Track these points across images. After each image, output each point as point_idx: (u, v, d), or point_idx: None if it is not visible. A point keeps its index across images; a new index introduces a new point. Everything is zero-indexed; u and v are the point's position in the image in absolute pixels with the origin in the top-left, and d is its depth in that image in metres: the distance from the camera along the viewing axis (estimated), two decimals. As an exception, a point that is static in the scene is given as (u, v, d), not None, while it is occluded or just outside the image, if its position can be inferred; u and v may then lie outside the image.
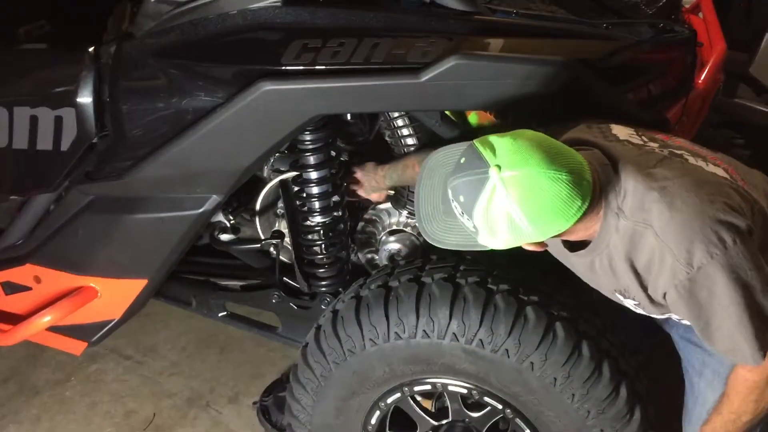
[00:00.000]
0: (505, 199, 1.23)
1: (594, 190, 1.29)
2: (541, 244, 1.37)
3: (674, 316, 1.49)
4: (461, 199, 1.29)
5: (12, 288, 2.16)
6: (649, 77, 1.68)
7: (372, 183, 2.04)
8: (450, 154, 1.43)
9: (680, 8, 2.14)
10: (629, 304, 1.48)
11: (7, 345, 2.14)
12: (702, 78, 1.86)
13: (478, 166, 1.26)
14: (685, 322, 1.51)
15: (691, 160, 1.40)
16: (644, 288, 1.38)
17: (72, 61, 1.81)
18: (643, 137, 1.46)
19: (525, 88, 1.53)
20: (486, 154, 1.25)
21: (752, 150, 3.39)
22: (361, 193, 2.08)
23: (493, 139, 1.28)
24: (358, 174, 2.05)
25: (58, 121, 1.83)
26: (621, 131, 1.47)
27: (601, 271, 1.44)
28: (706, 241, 1.26)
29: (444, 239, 1.42)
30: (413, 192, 2.00)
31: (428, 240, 1.45)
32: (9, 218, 2.11)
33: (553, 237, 1.32)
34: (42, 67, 1.93)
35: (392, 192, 2.12)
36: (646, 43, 1.66)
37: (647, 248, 1.32)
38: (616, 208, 1.33)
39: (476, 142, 1.29)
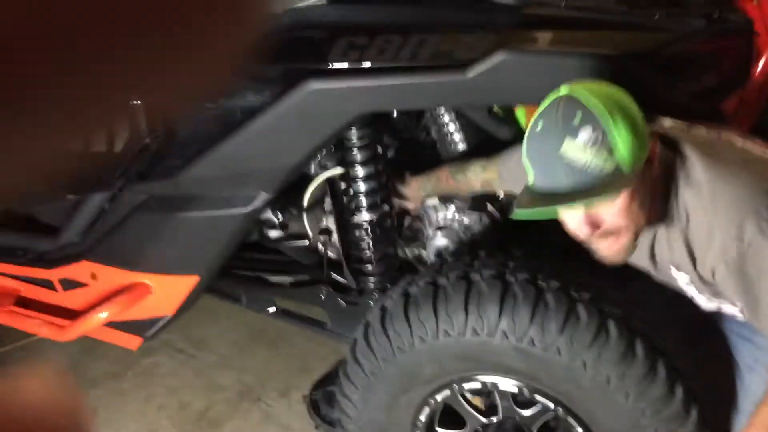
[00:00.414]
0: (593, 89, 1.27)
1: (653, 147, 1.31)
2: (648, 167, 1.31)
3: (725, 308, 1.46)
4: (576, 121, 1.25)
5: (69, 284, 2.22)
6: (703, 69, 1.64)
7: (407, 192, 2.05)
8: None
9: (735, -6, 2.07)
10: (682, 280, 1.46)
11: (65, 340, 2.21)
12: (759, 69, 1.80)
13: (554, 104, 1.29)
14: (732, 312, 1.49)
15: (739, 143, 1.41)
16: (694, 263, 1.37)
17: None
18: (689, 125, 1.46)
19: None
20: (551, 99, 1.29)
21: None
22: (397, 202, 2.08)
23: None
24: (395, 184, 2.06)
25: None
26: (665, 121, 1.47)
27: (658, 246, 1.44)
28: (757, 216, 1.25)
29: (593, 200, 1.29)
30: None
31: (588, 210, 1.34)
32: (66, 217, 2.17)
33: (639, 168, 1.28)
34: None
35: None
36: (700, 33, 1.61)
37: (697, 222, 1.33)
38: (676, 173, 1.35)
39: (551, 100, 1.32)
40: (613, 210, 1.31)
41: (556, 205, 1.30)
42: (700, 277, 1.39)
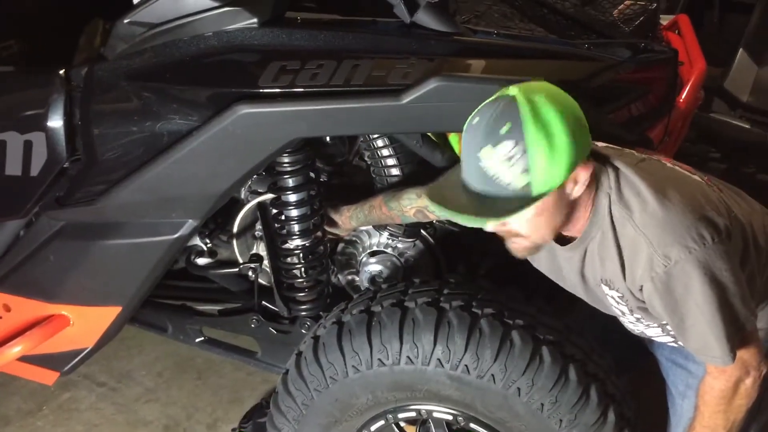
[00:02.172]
0: (547, 108, 1.25)
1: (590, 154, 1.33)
2: (562, 190, 1.31)
3: (649, 332, 1.48)
4: (503, 130, 1.25)
5: (-20, 317, 2.08)
6: (631, 97, 1.67)
7: (339, 221, 2.02)
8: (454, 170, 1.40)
9: (658, 26, 2.14)
10: (612, 298, 1.47)
11: (-25, 377, 2.07)
12: (683, 97, 1.86)
13: (496, 103, 1.28)
14: (664, 339, 1.51)
15: (668, 164, 1.45)
16: (624, 277, 1.39)
17: (42, 84, 1.76)
18: (620, 148, 1.49)
19: (507, 109, 1.51)
20: (498, 95, 1.29)
21: (728, 164, 3.43)
22: (326, 228, 2.06)
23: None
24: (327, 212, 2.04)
25: (28, 145, 1.78)
26: (599, 144, 1.49)
27: (590, 263, 1.45)
28: (686, 236, 1.28)
29: (499, 214, 1.30)
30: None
31: (487, 228, 1.37)
32: (-23, 245, 2.04)
33: (574, 178, 1.29)
34: (11, 90, 1.88)
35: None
36: (628, 63, 1.65)
37: (627, 238, 1.34)
38: (609, 187, 1.36)
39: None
40: (518, 218, 1.31)
41: (453, 215, 1.32)
42: (631, 292, 1.40)
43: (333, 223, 2.05)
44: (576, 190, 1.33)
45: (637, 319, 1.50)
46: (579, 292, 1.57)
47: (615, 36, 1.81)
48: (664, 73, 1.75)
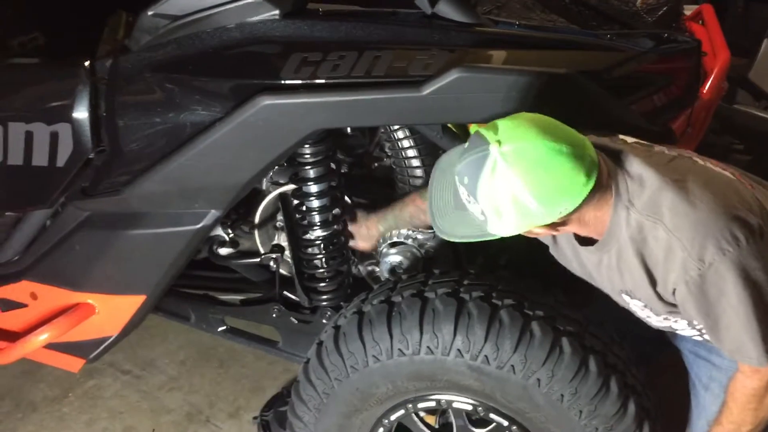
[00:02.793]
0: (507, 173, 1.23)
1: (601, 173, 1.29)
2: (552, 227, 1.34)
3: (679, 329, 1.47)
4: (465, 180, 1.29)
5: (8, 305, 2.12)
6: (653, 88, 1.66)
7: (362, 231, 2.03)
8: (458, 150, 1.42)
9: (681, 16, 2.12)
10: (635, 306, 1.46)
11: (3, 363, 2.11)
12: (707, 88, 1.84)
13: (479, 145, 1.27)
14: (688, 333, 1.50)
15: (700, 161, 1.42)
16: (653, 284, 1.37)
17: (67, 76, 1.78)
18: (649, 144, 1.47)
19: (528, 100, 1.51)
20: (487, 134, 1.26)
21: (752, 155, 3.39)
22: (351, 243, 2.06)
23: (496, 121, 1.30)
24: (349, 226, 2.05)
25: (54, 136, 1.81)
26: (628, 139, 1.48)
27: (607, 271, 1.43)
28: (719, 238, 1.25)
29: (454, 231, 1.42)
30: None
31: (440, 234, 1.45)
32: (5, 234, 2.08)
33: (563, 219, 1.30)
34: (37, 82, 1.91)
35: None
36: (651, 53, 1.64)
37: (657, 243, 1.31)
38: (627, 201, 1.33)
39: (480, 127, 1.30)
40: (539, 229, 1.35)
41: (432, 218, 1.44)
42: (660, 298, 1.38)
43: (360, 236, 2.05)
44: (569, 226, 1.35)
45: (664, 318, 1.49)
46: (600, 286, 1.56)
47: (637, 26, 1.80)
48: (688, 64, 1.74)
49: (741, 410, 1.44)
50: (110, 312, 2.03)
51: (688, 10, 2.37)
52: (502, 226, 1.31)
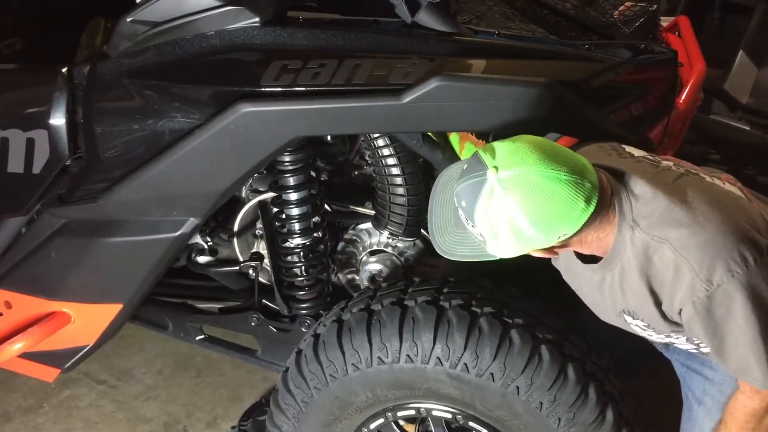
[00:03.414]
0: (504, 200, 1.23)
1: (603, 196, 1.28)
2: (551, 250, 1.35)
3: (678, 343, 1.47)
4: (463, 204, 1.29)
5: (-19, 313, 2.09)
6: (631, 98, 1.68)
7: None
8: (459, 167, 1.42)
9: (658, 27, 2.14)
10: (636, 327, 1.45)
11: (-24, 373, 2.08)
12: (683, 98, 1.86)
13: (478, 169, 1.26)
14: (684, 347, 1.50)
15: (707, 178, 1.40)
16: (658, 304, 1.36)
17: (45, 82, 1.76)
18: (657, 157, 1.46)
19: (508, 109, 1.52)
20: (485, 157, 1.26)
21: (727, 166, 3.43)
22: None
23: (495, 144, 1.29)
24: None
25: (30, 143, 1.79)
26: (634, 150, 1.48)
27: (609, 291, 1.42)
28: (728, 259, 1.25)
29: (454, 251, 1.42)
30: (394, 212, 2.00)
31: (440, 252, 1.44)
32: (-22, 242, 2.04)
33: (562, 243, 1.30)
34: (13, 88, 1.88)
35: (373, 212, 2.11)
36: (628, 64, 1.65)
37: (663, 263, 1.30)
38: (631, 220, 1.32)
39: (479, 149, 1.30)
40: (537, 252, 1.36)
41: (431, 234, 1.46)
42: (665, 318, 1.37)
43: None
44: (571, 246, 1.36)
45: (666, 336, 1.48)
46: (590, 304, 1.54)
47: (615, 37, 1.82)
48: (664, 74, 1.76)
49: (739, 429, 1.44)
50: (86, 321, 2.00)
51: (665, 22, 2.40)
52: (500, 249, 1.31)
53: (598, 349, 1.69)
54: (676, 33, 2.29)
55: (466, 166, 1.31)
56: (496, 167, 1.24)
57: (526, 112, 1.51)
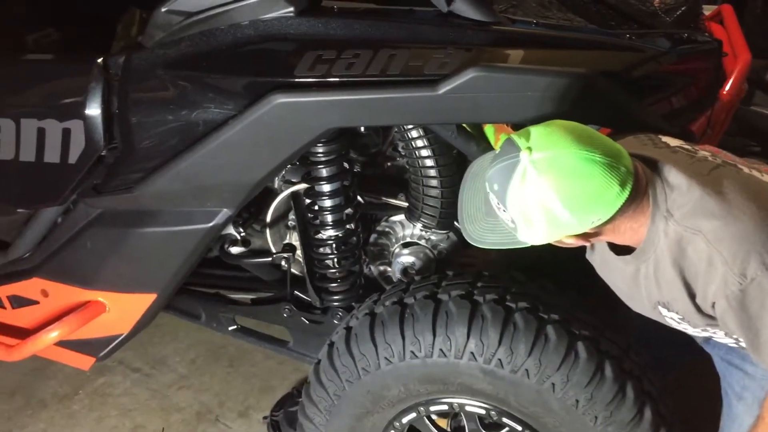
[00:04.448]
0: (537, 182, 1.21)
1: (638, 183, 1.25)
2: (584, 237, 1.32)
3: (716, 336, 1.43)
4: (495, 187, 1.27)
5: (19, 302, 2.12)
6: (673, 89, 1.63)
7: None
8: (490, 155, 1.40)
9: (700, 16, 2.08)
10: (671, 319, 1.42)
11: (14, 360, 2.11)
12: (727, 89, 1.81)
13: (511, 151, 1.24)
14: (724, 341, 1.47)
15: (745, 169, 1.36)
16: (692, 296, 1.32)
17: (80, 73, 1.77)
18: (694, 147, 1.42)
19: (546, 100, 1.48)
20: (519, 140, 1.24)
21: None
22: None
23: (529, 127, 1.27)
24: None
25: (66, 133, 1.80)
26: (671, 140, 1.44)
27: (644, 282, 1.39)
28: (762, 252, 1.21)
29: (484, 238, 1.40)
30: (427, 205, 1.98)
31: (469, 240, 1.42)
32: (16, 231, 2.07)
33: (595, 229, 1.27)
34: (50, 78, 1.90)
35: (406, 204, 2.09)
36: (671, 54, 1.60)
37: (697, 254, 1.27)
38: (665, 210, 1.29)
39: (513, 133, 1.27)
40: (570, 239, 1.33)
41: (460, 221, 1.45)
42: (699, 310, 1.34)
43: None
44: (604, 235, 1.32)
45: (702, 330, 1.44)
46: (625, 298, 1.51)
47: (657, 26, 1.77)
48: (708, 65, 1.70)
49: None
50: (121, 310, 2.02)
51: (707, 10, 2.33)
52: (531, 235, 1.28)
53: (635, 345, 1.65)
54: (719, 22, 2.23)
55: (499, 149, 1.29)
56: (529, 148, 1.21)
57: (564, 104, 1.48)
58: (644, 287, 1.40)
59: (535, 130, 1.25)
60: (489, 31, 1.57)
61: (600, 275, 1.55)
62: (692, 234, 1.26)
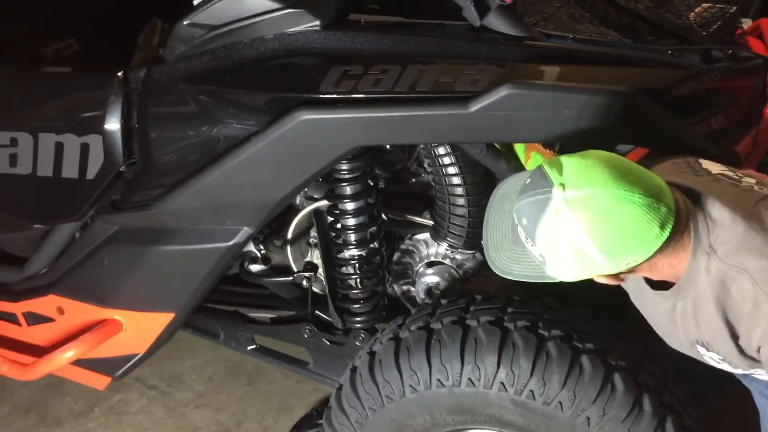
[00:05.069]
0: (570, 222, 1.13)
1: (679, 220, 1.17)
2: (617, 277, 1.24)
3: (758, 373, 1.35)
4: (524, 222, 1.19)
5: (34, 319, 2.08)
6: (717, 108, 1.55)
7: None
8: (522, 178, 1.32)
9: (737, 30, 2.00)
10: (711, 359, 1.34)
11: (28, 379, 2.07)
12: (772, 107, 1.73)
13: (542, 186, 1.16)
14: (765, 378, 1.39)
15: None
16: (735, 338, 1.24)
17: (100, 86, 1.73)
18: (737, 173, 1.33)
19: (583, 120, 1.42)
20: (551, 173, 1.16)
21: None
22: None
23: (562, 158, 1.18)
24: None
25: (84, 148, 1.76)
26: (712, 166, 1.35)
27: (682, 319, 1.30)
28: None
29: (511, 269, 1.32)
30: (454, 224, 1.91)
31: (494, 270, 1.35)
32: (32, 247, 2.03)
33: (630, 270, 1.20)
34: (69, 92, 1.86)
35: (431, 222, 2.02)
36: (715, 71, 1.53)
37: (741, 295, 1.19)
38: (708, 246, 1.20)
39: (545, 162, 1.20)
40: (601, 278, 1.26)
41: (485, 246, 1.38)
42: (742, 352, 1.26)
43: None
44: (639, 273, 1.25)
45: (743, 370, 1.36)
46: (661, 333, 1.43)
47: (695, 41, 1.69)
48: (753, 82, 1.62)
49: None
50: (138, 329, 1.98)
51: (744, 24, 2.25)
52: (561, 273, 1.21)
53: (675, 377, 1.57)
54: (757, 36, 2.15)
55: (528, 180, 1.21)
56: (563, 185, 1.13)
57: (603, 123, 1.41)
58: (681, 324, 1.32)
59: (569, 163, 1.16)
60: (523, 46, 1.50)
61: (635, 305, 1.47)
62: (737, 272, 1.18)
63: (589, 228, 1.12)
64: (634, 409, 1.46)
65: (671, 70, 1.51)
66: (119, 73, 1.72)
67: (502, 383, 1.52)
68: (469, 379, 1.55)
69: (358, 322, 2.00)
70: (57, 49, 2.38)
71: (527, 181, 1.21)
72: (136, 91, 1.71)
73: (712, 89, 1.56)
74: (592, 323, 1.60)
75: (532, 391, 1.50)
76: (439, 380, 1.57)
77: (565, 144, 1.61)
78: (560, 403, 1.48)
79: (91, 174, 1.78)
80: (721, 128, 1.56)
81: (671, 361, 1.59)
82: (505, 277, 1.33)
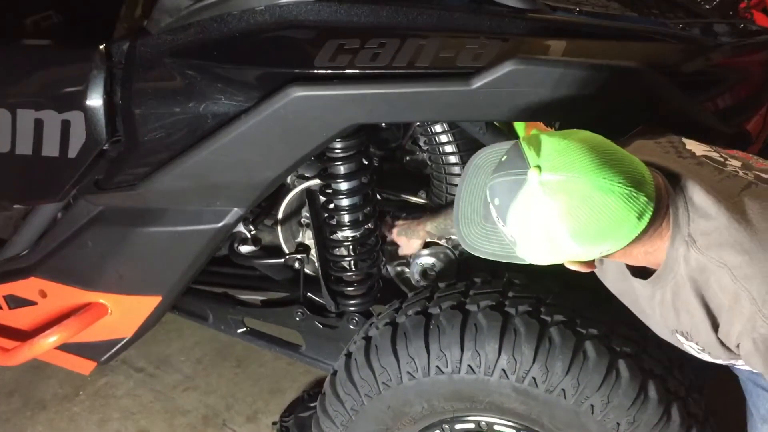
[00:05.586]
0: (544, 207, 1.06)
1: (658, 209, 1.10)
2: (589, 264, 1.18)
3: (739, 364, 1.31)
4: (496, 201, 1.12)
5: (16, 302, 2.02)
6: (728, 85, 1.49)
7: (414, 238, 1.89)
8: (499, 151, 1.24)
9: (740, 4, 1.94)
10: (691, 348, 1.29)
11: (10, 365, 2.00)
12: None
13: (518, 166, 1.09)
14: (747, 368, 1.34)
15: None
16: (715, 328, 1.19)
17: (81, 60, 1.65)
18: (722, 154, 1.26)
19: (590, 97, 1.36)
20: (529, 153, 1.08)
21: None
22: (401, 251, 1.94)
23: (542, 136, 1.10)
24: (395, 235, 1.91)
25: (65, 125, 1.68)
26: (696, 147, 1.28)
27: (660, 307, 1.25)
28: None
29: (479, 246, 1.25)
30: (450, 203, 1.85)
31: (463, 245, 1.29)
32: (12, 228, 1.96)
33: (602, 258, 1.14)
34: (48, 65, 1.77)
35: (426, 202, 1.96)
36: (726, 46, 1.47)
37: (721, 288, 1.13)
38: (687, 235, 1.14)
39: (523, 140, 1.12)
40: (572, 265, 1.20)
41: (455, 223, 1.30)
42: (722, 345, 1.20)
43: (402, 238, 1.90)
44: (612, 258, 1.18)
45: (724, 361, 1.31)
46: (642, 318, 1.38)
47: (701, 14, 1.63)
48: (764, 58, 1.56)
49: None
50: (124, 313, 1.92)
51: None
52: (531, 256, 1.15)
53: (680, 363, 1.53)
54: (761, 10, 2.08)
55: (505, 157, 1.13)
56: (539, 167, 1.06)
57: (611, 101, 1.36)
58: (660, 314, 1.27)
59: (549, 143, 1.09)
60: (528, 19, 1.43)
61: (613, 292, 1.41)
62: (716, 266, 1.12)
63: (564, 215, 1.06)
64: (639, 397, 1.42)
65: (680, 45, 1.45)
66: (101, 46, 1.63)
67: (504, 370, 1.47)
68: (469, 365, 1.50)
69: (351, 305, 1.95)
70: (36, 21, 2.28)
71: (503, 158, 1.14)
72: (120, 66, 1.63)
73: (722, 65, 1.50)
74: (596, 308, 1.55)
75: (534, 378, 1.45)
76: (437, 367, 1.53)
77: (563, 122, 1.55)
78: (563, 390, 1.44)
79: (72, 152, 1.70)
80: (731, 106, 1.50)
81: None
82: (474, 253, 1.27)
